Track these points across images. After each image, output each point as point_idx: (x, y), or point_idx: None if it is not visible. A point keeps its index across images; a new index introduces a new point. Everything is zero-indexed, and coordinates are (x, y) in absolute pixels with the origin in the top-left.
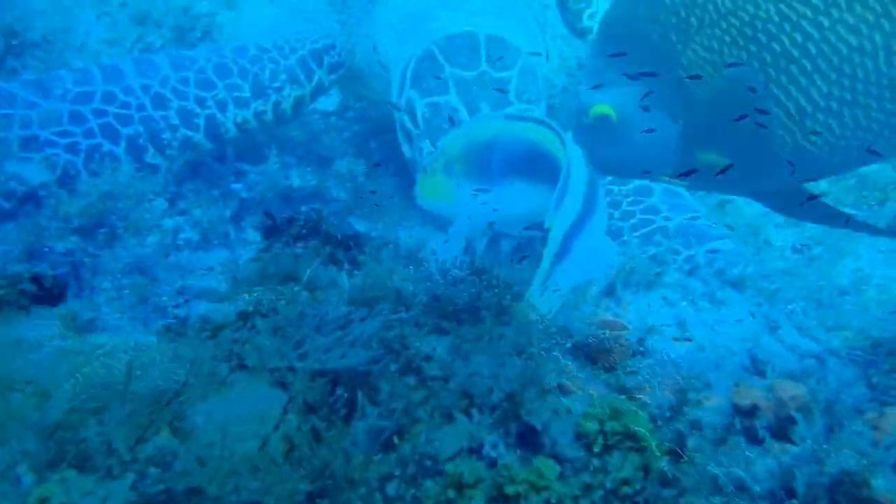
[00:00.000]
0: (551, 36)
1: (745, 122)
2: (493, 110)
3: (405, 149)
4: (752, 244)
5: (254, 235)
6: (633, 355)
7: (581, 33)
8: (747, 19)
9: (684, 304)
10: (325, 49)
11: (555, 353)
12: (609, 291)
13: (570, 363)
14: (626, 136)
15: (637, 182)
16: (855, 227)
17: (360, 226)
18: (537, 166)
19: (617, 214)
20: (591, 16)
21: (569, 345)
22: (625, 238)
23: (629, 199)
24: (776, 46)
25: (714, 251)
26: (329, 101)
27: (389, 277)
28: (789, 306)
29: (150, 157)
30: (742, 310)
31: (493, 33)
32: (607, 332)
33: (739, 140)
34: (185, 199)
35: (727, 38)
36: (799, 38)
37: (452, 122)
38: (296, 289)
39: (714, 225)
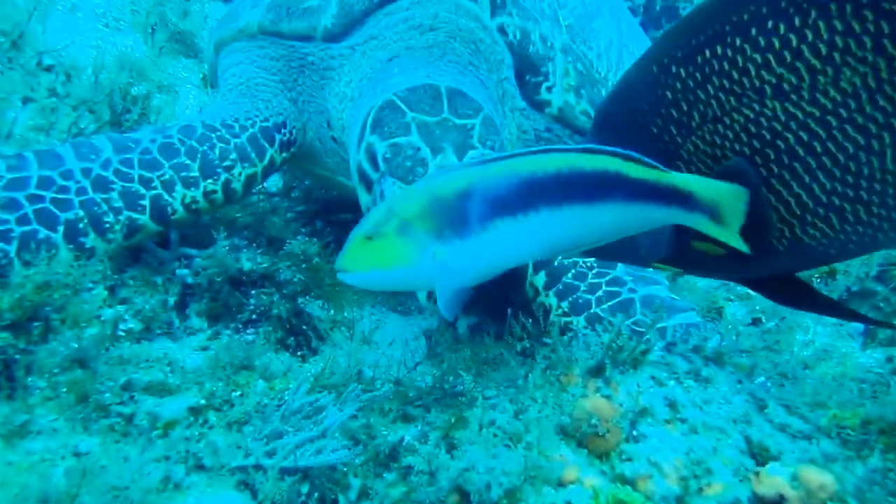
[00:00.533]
0: (510, 108)
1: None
2: (457, 152)
3: (363, 198)
4: (708, 318)
5: (200, 323)
6: (627, 440)
7: (539, 106)
8: (752, 116)
9: (672, 383)
10: (276, 127)
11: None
12: (598, 371)
13: (566, 451)
14: None
15: None
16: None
17: (313, 309)
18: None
19: (584, 287)
20: (549, 88)
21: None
22: (594, 311)
23: (594, 272)
24: (780, 143)
25: (683, 325)
26: (270, 182)
27: (348, 363)
28: (768, 382)
29: (91, 241)
30: (727, 388)
31: (453, 86)
32: (599, 416)
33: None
34: (127, 287)
35: (730, 134)
36: (805, 136)
37: (414, 161)
38: (252, 378)
39: (676, 297)
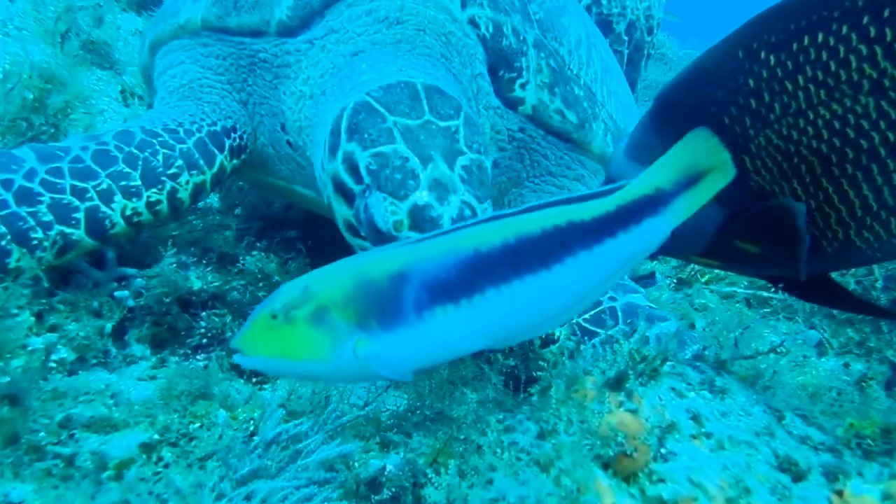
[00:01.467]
0: (484, 106)
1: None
2: (446, 160)
3: (340, 210)
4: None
5: (141, 350)
6: (655, 458)
7: (513, 104)
8: (840, 112)
9: (692, 394)
10: (225, 131)
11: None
12: (618, 383)
13: (599, 474)
14: None
15: None
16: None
17: None
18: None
19: None
20: (523, 85)
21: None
22: (576, 321)
23: None
24: (864, 143)
25: (668, 333)
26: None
27: (312, 388)
28: (777, 392)
29: (15, 260)
30: (744, 398)
31: (428, 82)
32: (626, 433)
33: (784, 241)
34: (57, 313)
35: (810, 130)
36: (892, 136)
37: (404, 174)
38: (211, 408)
39: (654, 306)
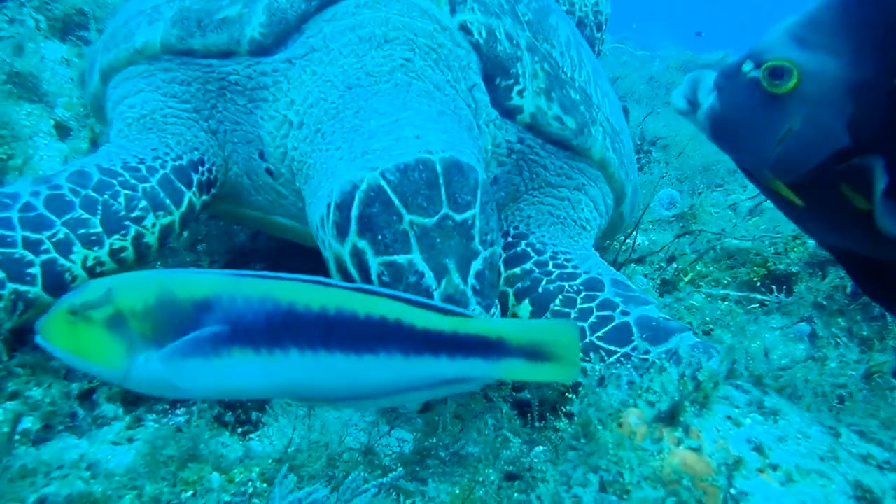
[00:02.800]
0: (484, 121)
1: None
2: (460, 269)
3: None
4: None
5: (112, 409)
6: (726, 502)
7: (510, 113)
8: None
9: (748, 420)
10: (192, 165)
11: None
12: (671, 417)
13: None
14: (767, 113)
15: (584, 276)
16: None
17: None
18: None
19: (574, 314)
20: (521, 92)
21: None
22: (589, 339)
23: (582, 295)
24: None
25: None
26: None
27: (307, 437)
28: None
29: None
30: (798, 418)
31: (447, 155)
32: (692, 475)
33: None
34: (15, 378)
35: None
36: None
37: (418, 291)
38: (203, 472)
39: (668, 317)
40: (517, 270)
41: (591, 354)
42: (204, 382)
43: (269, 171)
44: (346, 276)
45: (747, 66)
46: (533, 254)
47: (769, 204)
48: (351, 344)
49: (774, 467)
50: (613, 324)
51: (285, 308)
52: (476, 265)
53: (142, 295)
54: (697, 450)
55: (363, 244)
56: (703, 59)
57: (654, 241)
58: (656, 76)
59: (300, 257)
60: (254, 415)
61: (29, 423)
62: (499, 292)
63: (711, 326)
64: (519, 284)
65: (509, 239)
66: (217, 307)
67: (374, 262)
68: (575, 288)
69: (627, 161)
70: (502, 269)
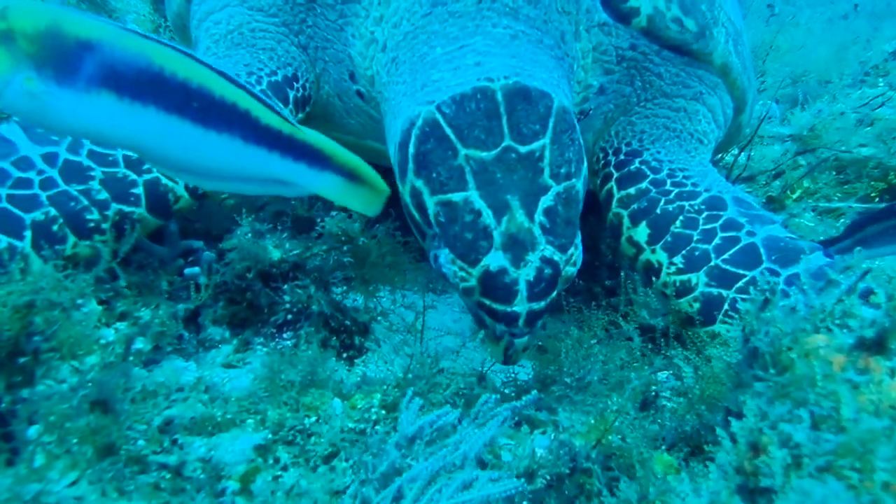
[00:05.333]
0: (586, 27)
1: None
2: (525, 205)
3: (417, 235)
4: None
5: (219, 332)
6: None
7: (625, 17)
8: None
9: None
10: (286, 81)
11: None
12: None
13: None
14: None
15: (704, 194)
16: None
17: (349, 300)
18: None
19: (696, 235)
20: None
21: None
22: (715, 262)
23: (704, 215)
24: None
25: (819, 268)
26: None
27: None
28: None
29: (72, 247)
30: None
31: (512, 82)
32: None
33: None
34: (124, 298)
35: None
36: None
37: (475, 233)
38: (324, 398)
39: (794, 236)
40: (632, 190)
41: (716, 280)
42: (70, 116)
43: (359, 94)
44: (412, 220)
45: None
46: (648, 172)
47: (882, 112)
48: (202, 117)
49: None
50: (740, 245)
51: (156, 69)
52: (546, 200)
53: (34, 20)
54: None
55: (419, 183)
56: None
57: (760, 155)
58: None
59: (388, 181)
60: (356, 339)
61: (140, 343)
62: (577, 230)
63: None
64: (635, 205)
65: (622, 157)
66: (97, 50)
67: (431, 202)
68: (696, 207)
69: (749, 64)
70: (615, 189)
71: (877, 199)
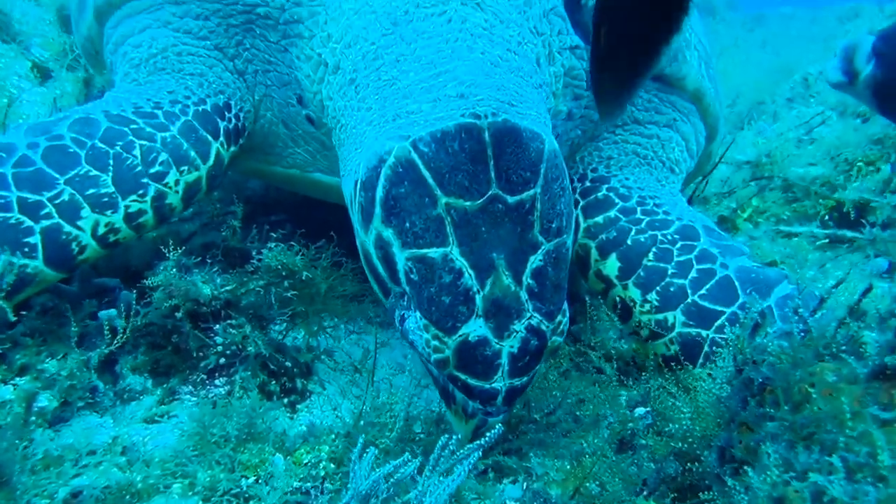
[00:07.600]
0: (558, 49)
1: None
2: (513, 265)
3: (371, 280)
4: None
5: (139, 382)
6: None
7: None
8: None
9: None
10: (216, 110)
11: None
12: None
13: None
14: None
15: (678, 223)
16: None
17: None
18: None
19: (671, 269)
20: None
21: None
22: (692, 299)
23: (678, 246)
24: None
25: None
26: None
27: (371, 405)
28: None
29: None
30: None
31: (501, 120)
32: None
33: None
34: (24, 348)
35: None
36: None
37: (454, 297)
38: (264, 453)
39: (761, 265)
40: (599, 219)
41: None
42: None
43: (309, 119)
44: (373, 272)
45: None
46: (617, 199)
47: (819, 132)
48: None
49: None
50: (716, 279)
51: None
52: (535, 260)
53: None
54: None
55: (388, 234)
56: None
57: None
58: None
59: (325, 208)
60: (298, 382)
61: (45, 400)
62: (565, 296)
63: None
64: (603, 236)
65: (587, 183)
66: None
67: (402, 257)
68: (669, 237)
69: (720, 89)
70: (581, 218)
71: (826, 218)
